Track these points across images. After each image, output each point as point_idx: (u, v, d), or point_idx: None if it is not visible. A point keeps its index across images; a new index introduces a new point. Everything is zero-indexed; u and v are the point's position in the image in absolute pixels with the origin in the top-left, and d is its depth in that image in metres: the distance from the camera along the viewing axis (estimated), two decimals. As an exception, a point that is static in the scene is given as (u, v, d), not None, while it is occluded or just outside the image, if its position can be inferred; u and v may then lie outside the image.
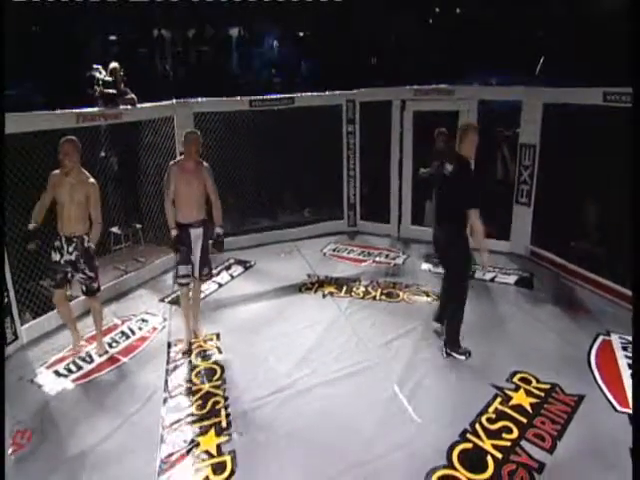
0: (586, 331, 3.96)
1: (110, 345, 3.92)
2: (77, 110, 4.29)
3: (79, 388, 3.44)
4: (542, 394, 3.22)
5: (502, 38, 6.71)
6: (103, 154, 4.97)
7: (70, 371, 3.59)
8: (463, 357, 3.59)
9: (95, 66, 4.84)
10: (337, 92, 6.13)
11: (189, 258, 3.75)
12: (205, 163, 3.76)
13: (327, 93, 6.21)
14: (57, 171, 3.50)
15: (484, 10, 7.42)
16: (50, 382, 3.50)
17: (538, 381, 3.34)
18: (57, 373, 3.58)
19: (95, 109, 4.53)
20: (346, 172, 6.26)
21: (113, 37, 7.36)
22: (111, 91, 4.70)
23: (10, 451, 2.88)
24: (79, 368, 3.63)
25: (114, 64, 4.98)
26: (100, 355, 3.78)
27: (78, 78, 4.93)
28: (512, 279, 4.88)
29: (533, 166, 5.15)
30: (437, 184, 3.67)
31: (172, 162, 3.77)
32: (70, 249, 3.56)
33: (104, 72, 4.83)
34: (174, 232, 3.69)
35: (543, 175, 5.07)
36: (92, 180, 3.59)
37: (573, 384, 3.29)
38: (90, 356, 3.77)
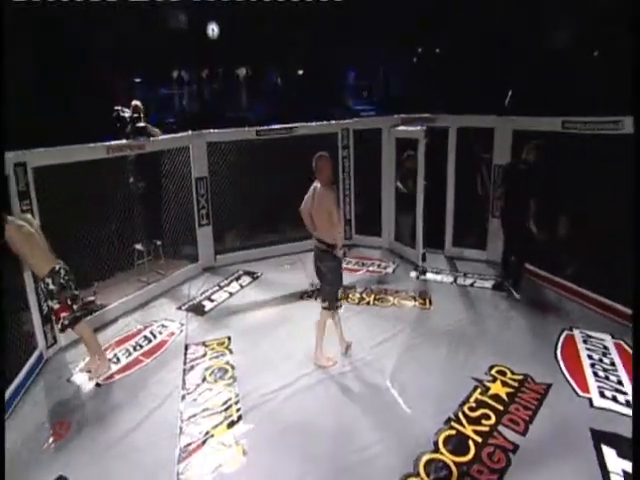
0: (553, 327, 4.02)
1: (134, 348, 3.98)
2: (107, 143, 4.42)
3: (109, 386, 3.50)
4: (516, 384, 3.28)
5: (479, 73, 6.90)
6: (132, 180, 5.06)
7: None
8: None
9: (116, 107, 4.93)
10: (333, 122, 6.28)
11: None
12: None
13: (324, 123, 6.36)
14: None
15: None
16: (84, 381, 3.57)
17: (513, 373, 3.40)
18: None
19: (122, 141, 4.63)
20: (342, 192, 6.36)
21: (138, 79, 7.57)
22: (142, 125, 4.85)
23: (51, 440, 2.95)
24: (108, 369, 3.68)
25: (136, 102, 5.13)
26: (94, 379, 3.55)
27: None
28: (489, 284, 4.93)
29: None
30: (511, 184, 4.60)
31: (334, 186, 3.49)
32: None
33: (127, 111, 4.96)
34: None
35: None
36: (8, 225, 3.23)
37: (542, 374, 3.36)
38: (118, 358, 3.83)
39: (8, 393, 3.23)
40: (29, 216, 3.55)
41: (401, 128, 5.73)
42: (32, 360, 3.64)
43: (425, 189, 5.28)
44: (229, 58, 9.39)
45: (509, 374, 3.39)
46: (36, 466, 2.74)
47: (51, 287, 3.38)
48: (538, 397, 3.14)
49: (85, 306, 4.06)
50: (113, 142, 4.50)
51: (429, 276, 5.24)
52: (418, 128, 5.34)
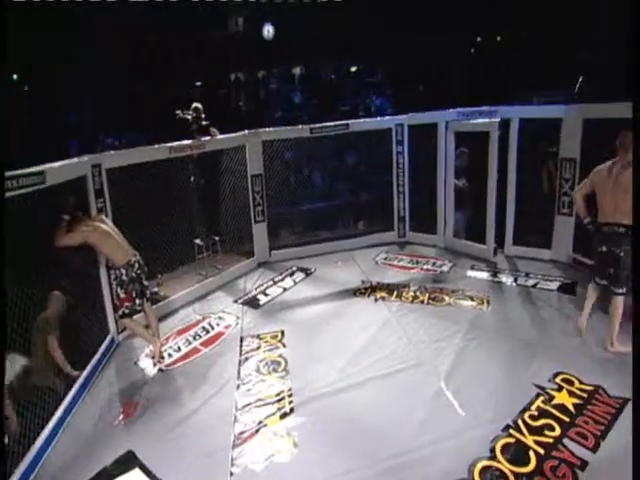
0: (629, 335, 3.61)
1: (194, 338, 4.15)
2: (169, 144, 4.65)
3: (171, 372, 3.69)
4: (585, 395, 2.99)
5: (544, 60, 6.42)
6: (192, 178, 5.28)
7: (163, 358, 3.84)
8: None
9: (177, 111, 5.10)
10: (387, 117, 6.16)
11: None
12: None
13: (378, 119, 6.26)
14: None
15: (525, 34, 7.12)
16: (149, 366, 3.78)
17: (581, 382, 3.11)
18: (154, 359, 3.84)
19: (184, 142, 4.82)
20: (396, 188, 6.23)
21: (198, 83, 7.92)
22: (205, 123, 5.04)
23: (121, 417, 3.19)
24: (170, 356, 3.89)
25: (196, 104, 5.32)
26: (157, 365, 3.76)
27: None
28: (555, 285, 4.57)
29: (574, 179, 4.85)
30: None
31: None
32: None
33: (189, 112, 5.15)
34: None
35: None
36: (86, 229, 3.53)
37: (618, 387, 3.02)
38: (179, 347, 4.02)
39: (87, 370, 3.56)
40: (103, 216, 3.87)
41: (465, 121, 5.47)
42: (106, 343, 3.95)
43: (477, 185, 5.07)
44: (284, 58, 9.53)
45: (577, 383, 3.11)
46: (110, 439, 2.97)
47: (124, 277, 3.65)
48: (612, 412, 2.84)
49: (152, 296, 4.34)
50: (175, 143, 4.71)
51: (487, 276, 4.97)
52: (487, 120, 5.09)
